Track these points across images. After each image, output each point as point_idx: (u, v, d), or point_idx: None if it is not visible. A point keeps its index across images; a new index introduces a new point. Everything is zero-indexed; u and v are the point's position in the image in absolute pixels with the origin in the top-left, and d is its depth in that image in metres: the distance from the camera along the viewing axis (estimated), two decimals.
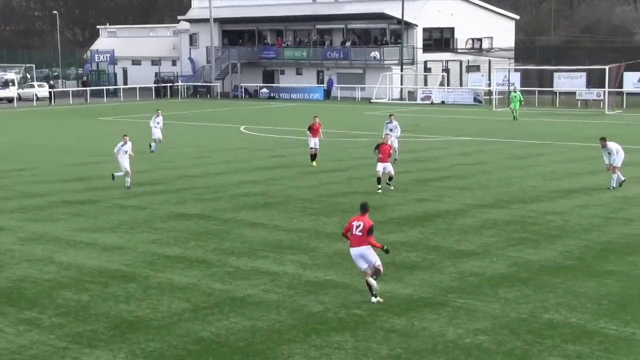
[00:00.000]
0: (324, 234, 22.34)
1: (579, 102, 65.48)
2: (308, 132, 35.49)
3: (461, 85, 75.52)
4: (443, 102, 71.09)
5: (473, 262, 19.16)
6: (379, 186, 28.60)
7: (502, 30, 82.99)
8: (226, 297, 16.92)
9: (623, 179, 28.30)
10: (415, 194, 28.01)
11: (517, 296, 16.58)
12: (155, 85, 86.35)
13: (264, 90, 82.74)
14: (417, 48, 78.80)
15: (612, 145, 28.22)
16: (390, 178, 28.99)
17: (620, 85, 63.63)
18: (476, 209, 25.26)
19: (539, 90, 68.91)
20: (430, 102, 71.65)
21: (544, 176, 31.13)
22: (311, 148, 35.17)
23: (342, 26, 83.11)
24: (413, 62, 78.54)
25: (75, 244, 21.66)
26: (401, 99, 75.94)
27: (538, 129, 48.80)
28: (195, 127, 54.48)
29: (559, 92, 67.48)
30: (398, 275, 18.20)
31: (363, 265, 16.49)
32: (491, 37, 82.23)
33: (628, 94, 64.14)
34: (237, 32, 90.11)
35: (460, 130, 48.79)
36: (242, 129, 52.24)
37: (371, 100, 74.32)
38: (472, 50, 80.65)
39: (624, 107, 61.95)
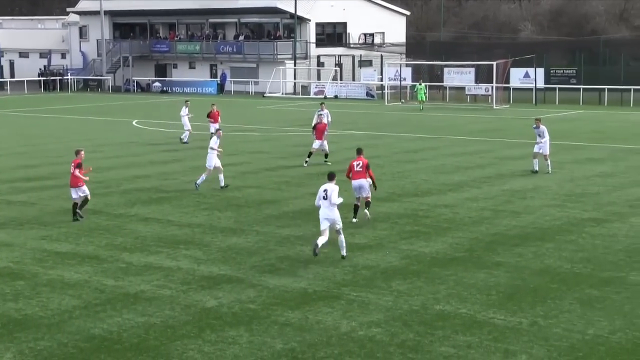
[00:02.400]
0: (218, 229, 22.25)
1: (468, 97, 66.83)
2: (208, 119, 38.86)
3: (354, 79, 76.16)
4: (336, 97, 71.58)
5: (366, 256, 19.38)
6: (307, 159, 32.85)
7: (393, 26, 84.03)
8: (119, 293, 16.69)
9: (548, 169, 30.26)
10: (309, 188, 28.14)
11: (410, 288, 16.85)
12: (44, 78, 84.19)
13: (157, 84, 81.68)
14: (310, 43, 79.12)
15: (544, 127, 30.40)
16: (326, 155, 33.39)
17: (507, 81, 65.26)
18: None
19: (429, 85, 70.08)
20: (323, 96, 72.01)
21: (434, 170, 31.70)
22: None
23: (235, 20, 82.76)
24: (306, 57, 78.81)
25: None
26: (295, 93, 76.11)
27: (429, 123, 49.64)
28: (86, 121, 53.44)
29: (449, 87, 68.77)
30: (292, 269, 18.27)
31: (358, 194, 22.34)
32: (383, 33, 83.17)
33: (514, 89, 65.81)
34: (128, 25, 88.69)
35: (353, 125, 49.24)
36: (134, 123, 51.51)
37: (265, 95, 74.29)
38: (364, 45, 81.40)
39: (511, 102, 63.58)
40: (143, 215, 23.95)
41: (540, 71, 64.59)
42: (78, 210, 23.32)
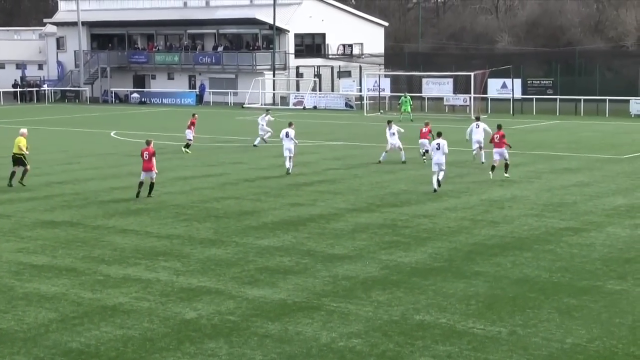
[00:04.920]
0: (197, 240, 22.17)
1: (447, 107, 67.05)
2: (188, 126, 41.51)
3: (333, 90, 76.26)
4: (315, 107, 71.64)
5: (346, 266, 19.36)
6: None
7: (372, 37, 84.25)
8: (96, 306, 16.57)
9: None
10: (288, 198, 28.13)
11: (389, 299, 16.84)
12: (20, 89, 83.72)
13: (135, 95, 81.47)
14: (289, 53, 79.17)
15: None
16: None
17: (485, 92, 65.56)
18: (349, 213, 25.55)
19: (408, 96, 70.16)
20: (302, 107, 72.10)
21: (413, 180, 31.75)
22: (188, 139, 41.09)
23: (214, 31, 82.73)
24: (285, 68, 78.85)
25: None
26: (274, 104, 76.09)
27: (407, 134, 49.60)
28: (63, 133, 53.20)
29: (428, 98, 68.96)
30: (272, 280, 18.22)
31: (496, 158, 31.04)
32: (362, 44, 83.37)
33: (492, 99, 66.13)
34: (106, 36, 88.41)
35: (332, 135, 49.28)
36: (112, 134, 51.32)
37: (244, 105, 74.24)
38: (343, 56, 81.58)
39: (489, 112, 63.83)
40: (121, 227, 23.82)
41: (518, 82, 64.98)
42: (150, 195, 28.06)
